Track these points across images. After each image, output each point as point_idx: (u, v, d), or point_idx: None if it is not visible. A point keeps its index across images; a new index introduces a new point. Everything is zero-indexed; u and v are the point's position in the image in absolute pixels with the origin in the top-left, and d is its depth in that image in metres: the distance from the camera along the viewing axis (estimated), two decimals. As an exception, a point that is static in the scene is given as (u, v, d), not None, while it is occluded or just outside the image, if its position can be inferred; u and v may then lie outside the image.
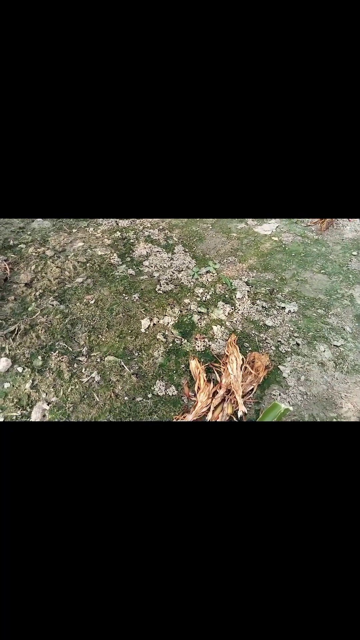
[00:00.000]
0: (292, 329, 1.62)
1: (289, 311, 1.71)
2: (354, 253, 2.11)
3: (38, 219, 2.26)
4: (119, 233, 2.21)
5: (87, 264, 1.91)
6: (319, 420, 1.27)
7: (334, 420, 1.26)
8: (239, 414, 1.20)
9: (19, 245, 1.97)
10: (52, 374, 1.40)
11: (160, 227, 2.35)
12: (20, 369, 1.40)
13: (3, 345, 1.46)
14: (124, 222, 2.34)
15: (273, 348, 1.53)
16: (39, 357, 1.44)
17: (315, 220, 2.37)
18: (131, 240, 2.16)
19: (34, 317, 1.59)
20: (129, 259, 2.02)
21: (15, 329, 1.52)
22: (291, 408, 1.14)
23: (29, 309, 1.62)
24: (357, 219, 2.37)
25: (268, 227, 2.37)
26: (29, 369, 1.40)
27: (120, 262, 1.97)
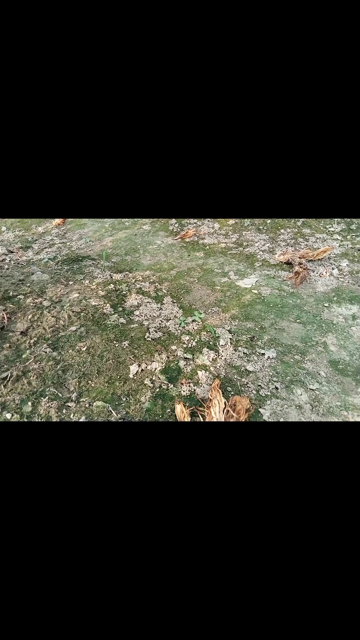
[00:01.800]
0: (271, 373, 1.73)
1: (268, 357, 1.84)
2: (326, 304, 2.33)
3: (38, 272, 2.46)
4: (113, 285, 2.41)
5: (82, 314, 2.05)
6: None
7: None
8: (222, 457, 1.24)
9: (18, 296, 2.12)
10: (41, 419, 1.43)
11: (151, 280, 2.57)
12: (9, 416, 1.43)
13: (-6, 391, 1.50)
14: (117, 276, 2.55)
15: (254, 392, 1.62)
16: (29, 403, 1.48)
17: (290, 275, 2.65)
18: (124, 292, 2.35)
19: (26, 364, 1.66)
20: (120, 308, 2.17)
21: (7, 375, 1.58)
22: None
23: (23, 356, 1.70)
24: (327, 275, 2.66)
25: (248, 281, 2.62)
26: (18, 415, 1.43)
27: (113, 312, 2.12)
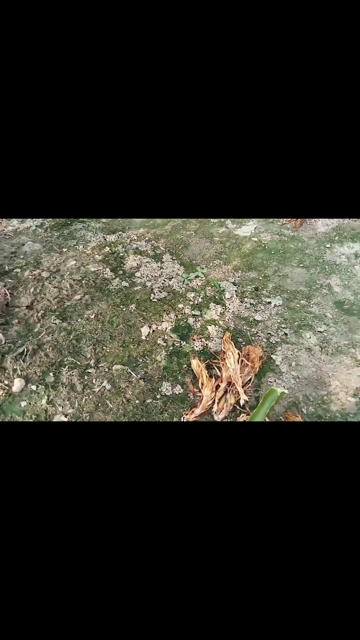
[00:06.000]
0: (279, 321, 1.78)
1: (275, 305, 1.87)
2: (327, 245, 2.29)
3: (28, 242, 2.35)
4: (108, 248, 2.32)
5: (83, 281, 2.01)
6: (311, 399, 1.42)
7: (325, 397, 1.42)
8: (241, 402, 1.34)
9: (15, 270, 2.05)
10: (65, 388, 1.49)
11: (147, 238, 2.48)
12: (34, 387, 1.49)
13: (15, 367, 1.55)
14: (111, 237, 2.45)
15: (264, 340, 1.68)
16: (51, 374, 1.54)
17: (289, 218, 2.55)
18: (121, 254, 2.28)
19: (39, 337, 1.68)
20: (121, 272, 2.13)
21: (23, 350, 1.61)
22: (286, 391, 1.29)
23: (35, 330, 1.71)
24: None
25: (247, 229, 2.54)
26: (43, 386, 1.50)
27: (114, 276, 2.08)
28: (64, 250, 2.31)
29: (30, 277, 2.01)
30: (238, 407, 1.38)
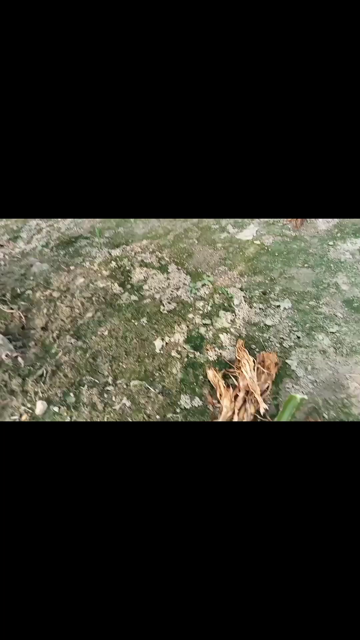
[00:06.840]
0: (290, 324, 1.79)
1: (284, 308, 1.88)
2: (330, 243, 2.30)
3: (37, 263, 2.39)
4: (114, 263, 2.36)
5: (93, 298, 2.05)
6: (331, 403, 1.43)
7: (345, 400, 1.43)
8: (261, 411, 1.36)
9: (26, 292, 2.09)
10: (87, 407, 1.53)
11: (151, 249, 2.50)
12: (56, 409, 1.53)
13: (36, 390, 1.58)
14: (116, 252, 2.48)
15: (278, 345, 1.70)
16: (71, 394, 1.57)
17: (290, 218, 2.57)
18: (127, 268, 2.31)
19: (57, 357, 1.72)
20: (129, 285, 2.16)
21: (43, 372, 1.64)
22: (306, 397, 1.30)
23: (52, 351, 1.75)
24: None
25: (248, 232, 2.55)
26: (65, 407, 1.53)
27: (122, 291, 2.12)
28: (72, 268, 2.35)
29: (42, 298, 2.05)
30: (259, 417, 1.40)
